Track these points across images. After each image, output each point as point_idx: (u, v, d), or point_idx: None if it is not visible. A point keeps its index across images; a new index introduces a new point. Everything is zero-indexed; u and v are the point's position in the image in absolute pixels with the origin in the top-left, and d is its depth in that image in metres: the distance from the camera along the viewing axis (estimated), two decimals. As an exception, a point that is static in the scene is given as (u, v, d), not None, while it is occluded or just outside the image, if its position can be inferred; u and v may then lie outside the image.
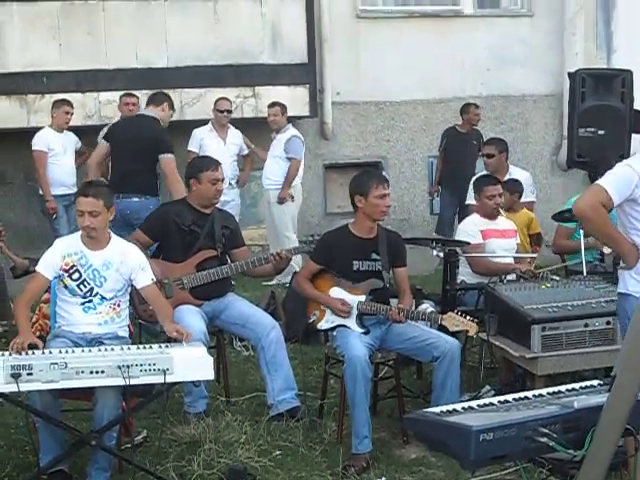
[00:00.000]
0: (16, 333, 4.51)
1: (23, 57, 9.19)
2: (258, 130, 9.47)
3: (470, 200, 7.09)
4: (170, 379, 4.16)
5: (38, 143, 8.42)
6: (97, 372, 4.08)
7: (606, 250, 6.24)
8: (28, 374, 4.00)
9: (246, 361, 6.56)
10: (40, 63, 9.21)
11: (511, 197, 6.93)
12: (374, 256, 5.21)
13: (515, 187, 7.06)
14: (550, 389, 3.29)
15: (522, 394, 3.24)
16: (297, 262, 7.93)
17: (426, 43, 10.91)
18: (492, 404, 3.11)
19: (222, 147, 8.93)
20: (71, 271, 4.70)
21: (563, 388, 3.30)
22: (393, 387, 5.37)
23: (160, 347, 4.42)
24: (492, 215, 6.40)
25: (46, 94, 9.14)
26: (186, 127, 8.96)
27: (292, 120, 9.25)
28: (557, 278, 5.84)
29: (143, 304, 5.20)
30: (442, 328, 5.07)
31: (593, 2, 11.41)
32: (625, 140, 8.37)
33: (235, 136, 9.18)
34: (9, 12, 9.17)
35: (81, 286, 4.71)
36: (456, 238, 6.48)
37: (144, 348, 4.42)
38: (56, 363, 4.05)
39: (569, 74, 8.92)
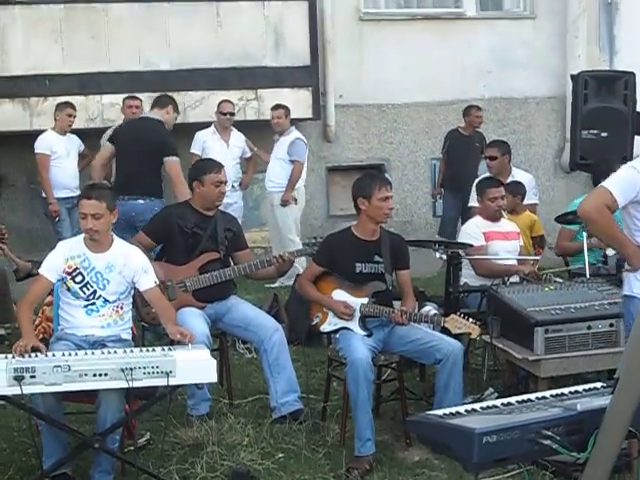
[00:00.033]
0: (19, 336, 4.52)
1: (26, 60, 9.22)
2: (261, 132, 9.48)
3: (473, 202, 7.09)
4: (173, 382, 4.16)
5: (41, 146, 8.42)
6: (100, 375, 4.08)
7: (609, 252, 6.23)
8: (31, 377, 4.01)
9: (249, 364, 6.56)
10: (43, 66, 9.23)
11: (513, 199, 6.93)
12: (377, 258, 5.20)
13: (518, 189, 7.05)
14: (553, 391, 3.28)
15: (525, 396, 3.23)
16: (301, 264, 7.93)
17: (428, 45, 10.92)
18: (495, 406, 3.10)
19: (225, 150, 8.94)
20: (74, 274, 4.70)
21: (566, 390, 3.29)
22: (396, 389, 5.37)
23: (163, 350, 4.42)
24: (495, 217, 6.40)
25: (49, 97, 9.17)
26: (189, 130, 8.97)
27: (295, 123, 9.25)
28: (560, 280, 5.84)
29: (146, 307, 5.20)
30: (445, 330, 5.07)
31: (596, 4, 11.42)
32: (628, 142, 8.39)
33: (238, 139, 9.18)
34: (12, 15, 9.20)
35: (84, 289, 4.71)
36: (459, 240, 6.48)
37: (147, 351, 4.42)
38: (59, 366, 4.05)
39: (572, 76, 8.95)
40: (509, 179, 7.28)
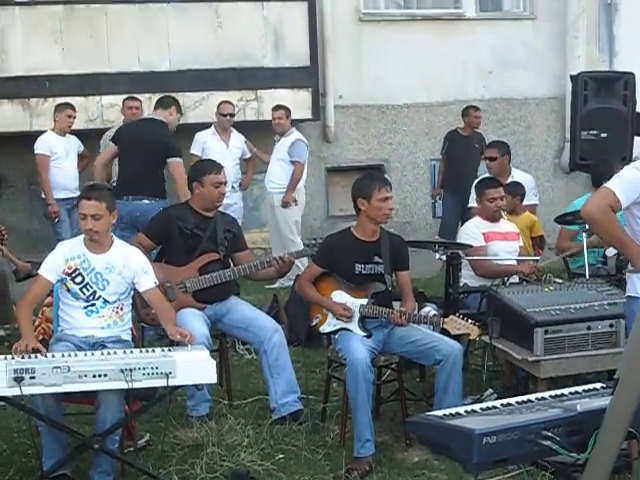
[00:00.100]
0: (19, 337, 4.52)
1: (25, 61, 9.21)
2: (260, 133, 9.48)
3: (472, 203, 7.09)
4: (173, 382, 4.16)
5: (41, 147, 8.42)
6: (100, 376, 4.08)
7: (609, 253, 6.24)
8: (31, 378, 4.00)
9: (249, 364, 6.56)
10: (42, 67, 9.23)
11: (513, 200, 6.93)
12: (376, 259, 5.20)
13: (517, 190, 7.05)
14: (553, 392, 3.28)
15: (525, 397, 3.23)
16: (303, 264, 7.93)
17: (428, 46, 10.92)
18: (495, 407, 3.11)
19: (225, 150, 8.95)
20: (74, 274, 4.70)
21: (566, 391, 3.29)
22: (396, 390, 5.37)
23: (163, 350, 4.42)
24: (494, 218, 6.39)
25: (49, 98, 9.16)
26: (189, 130, 8.97)
27: (295, 123, 9.25)
28: (560, 281, 5.84)
29: (146, 307, 5.19)
30: (445, 331, 5.07)
31: (595, 5, 11.42)
32: (627, 142, 8.40)
33: (238, 139, 9.19)
34: (11, 16, 9.19)
35: (84, 289, 4.71)
36: (458, 241, 6.48)
37: (147, 351, 4.42)
38: (59, 367, 4.05)
39: (571, 77, 8.95)
40: (509, 180, 7.29)
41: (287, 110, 8.99)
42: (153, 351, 4.41)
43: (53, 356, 4.30)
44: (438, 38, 11.01)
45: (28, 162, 8.90)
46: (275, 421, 5.30)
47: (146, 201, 7.21)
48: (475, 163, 9.45)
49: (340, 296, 5.19)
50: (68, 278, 4.70)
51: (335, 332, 5.18)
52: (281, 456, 4.90)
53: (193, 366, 4.24)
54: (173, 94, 8.17)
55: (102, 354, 4.33)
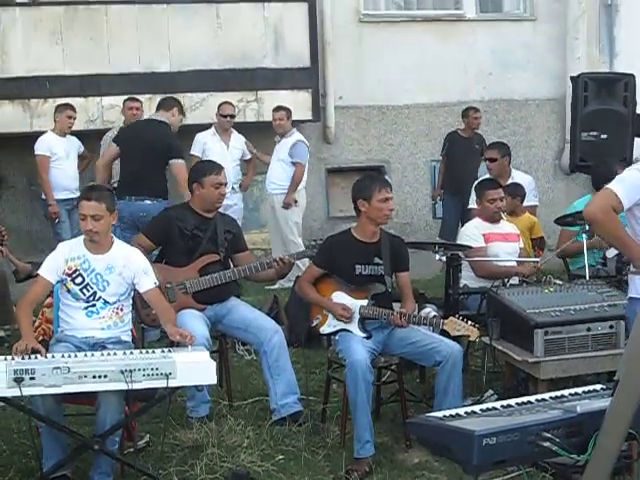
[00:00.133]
0: (19, 337, 4.51)
1: (26, 62, 9.21)
2: (260, 134, 9.48)
3: (472, 204, 7.09)
4: (173, 383, 4.16)
5: (41, 147, 8.43)
6: (100, 376, 4.08)
7: (609, 254, 6.23)
8: (31, 378, 4.00)
9: (249, 365, 6.56)
10: (43, 68, 9.23)
11: (513, 201, 6.93)
12: (377, 260, 5.20)
13: (517, 191, 7.05)
14: (553, 393, 3.29)
15: (525, 398, 3.23)
16: (303, 265, 7.92)
17: (428, 47, 10.93)
18: (495, 408, 3.11)
19: (225, 151, 8.94)
20: (74, 275, 4.70)
21: (566, 392, 3.29)
22: (396, 391, 5.37)
23: (163, 351, 4.42)
24: (494, 219, 6.39)
25: (49, 98, 9.16)
26: (189, 131, 8.96)
27: (295, 124, 9.25)
28: (560, 282, 5.84)
29: (146, 308, 5.20)
30: (444, 332, 5.06)
31: (596, 6, 11.42)
32: (627, 144, 8.40)
33: (238, 140, 9.18)
34: (12, 17, 9.19)
35: (84, 290, 4.71)
36: (458, 242, 6.48)
37: (147, 352, 4.42)
38: (59, 367, 4.05)
39: (572, 78, 8.95)
40: (509, 181, 7.29)
41: (288, 111, 8.98)
42: (153, 352, 4.41)
43: (53, 357, 4.29)
44: (438, 39, 11.01)
45: (28, 163, 8.91)
46: (275, 422, 5.30)
47: (148, 201, 7.22)
48: (475, 164, 9.45)
49: (340, 297, 5.19)
50: (68, 279, 4.70)
51: (335, 333, 5.18)
52: (281, 457, 4.90)
53: (193, 367, 4.24)
54: (173, 95, 8.18)
55: (102, 355, 4.33)
